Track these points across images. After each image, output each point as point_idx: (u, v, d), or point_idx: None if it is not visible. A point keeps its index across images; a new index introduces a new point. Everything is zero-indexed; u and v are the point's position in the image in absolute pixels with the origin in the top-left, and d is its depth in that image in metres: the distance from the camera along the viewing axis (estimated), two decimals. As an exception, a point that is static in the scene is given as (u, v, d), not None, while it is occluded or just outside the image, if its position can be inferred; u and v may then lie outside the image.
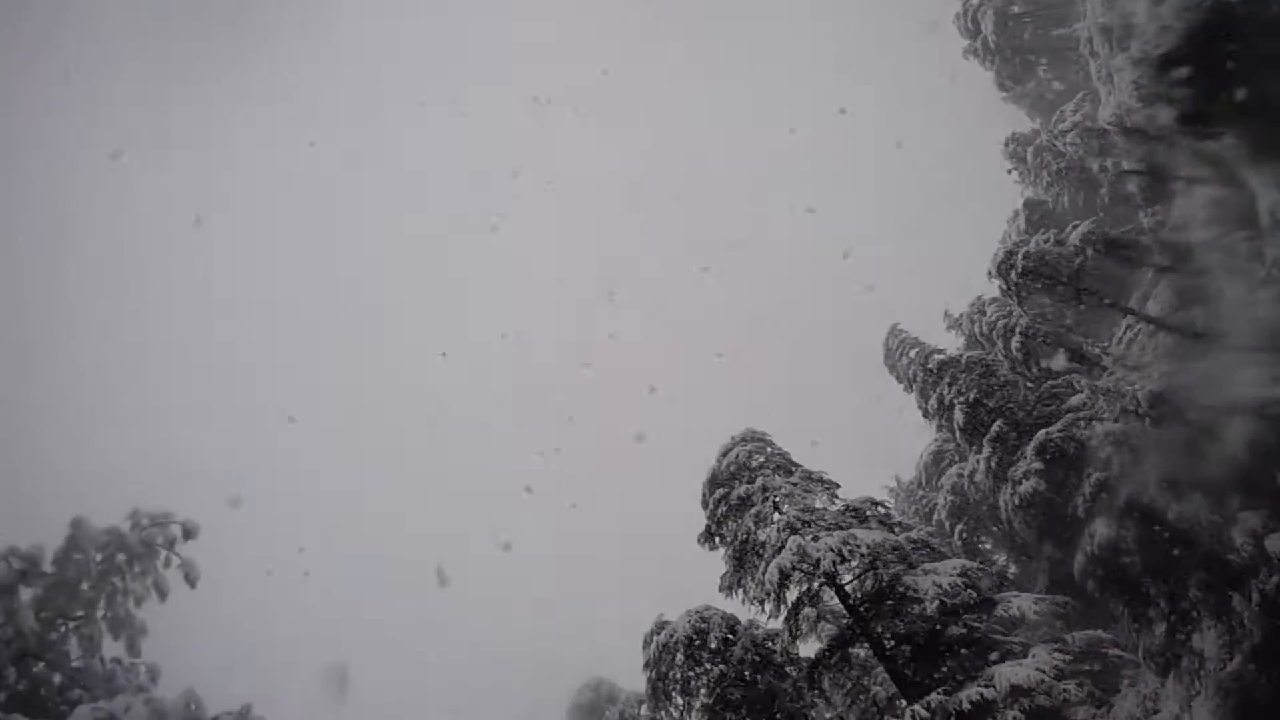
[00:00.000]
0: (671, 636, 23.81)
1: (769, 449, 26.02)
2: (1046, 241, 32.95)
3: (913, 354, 35.25)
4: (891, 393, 38.10)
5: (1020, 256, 32.47)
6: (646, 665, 24.26)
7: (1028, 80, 51.30)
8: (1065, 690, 19.20)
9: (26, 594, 28.80)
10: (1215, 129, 28.15)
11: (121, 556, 30.18)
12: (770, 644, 23.48)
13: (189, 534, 30.69)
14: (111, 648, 29.97)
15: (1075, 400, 30.59)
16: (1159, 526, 24.89)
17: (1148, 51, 23.40)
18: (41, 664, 28.37)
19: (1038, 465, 28.71)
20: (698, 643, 23.61)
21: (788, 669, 23.13)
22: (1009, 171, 47.64)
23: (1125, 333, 31.74)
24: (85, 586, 29.86)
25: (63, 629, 29.46)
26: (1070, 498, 27.77)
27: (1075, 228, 32.43)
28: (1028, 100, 51.68)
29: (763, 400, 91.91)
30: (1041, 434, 29.17)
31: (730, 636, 23.68)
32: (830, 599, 22.21)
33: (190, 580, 30.16)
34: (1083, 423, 29.21)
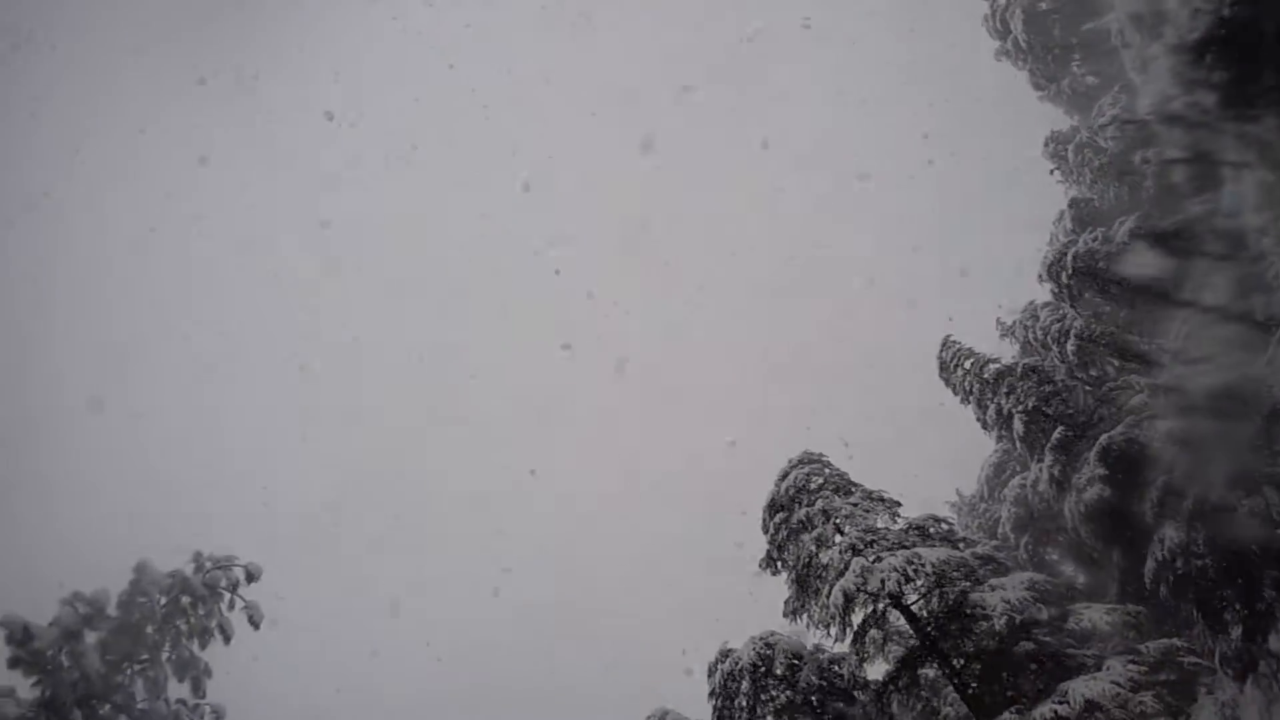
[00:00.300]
0: (736, 664, 23.75)
1: (827, 470, 25.92)
2: (1095, 240, 32.58)
3: (968, 365, 34.62)
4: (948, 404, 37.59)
5: (1070, 257, 32.17)
6: (712, 694, 24.20)
7: (1062, 77, 50.78)
8: (1141, 703, 18.89)
9: (92, 637, 29.28)
10: (1258, 111, 27.80)
11: (186, 599, 30.61)
12: (837, 668, 23.35)
13: (252, 577, 31.09)
14: (176, 689, 30.39)
15: (1136, 401, 30.08)
16: (1230, 526, 24.44)
17: (1182, 37, 23.09)
18: (108, 706, 28.82)
19: (1101, 471, 28.20)
20: (763, 669, 23.51)
21: (855, 693, 22.96)
22: (1051, 172, 47.15)
23: (1183, 327, 31.25)
24: (150, 629, 30.31)
25: (128, 671, 29.86)
26: (1137, 502, 27.24)
27: (1122, 223, 32.05)
28: (1064, 97, 51.15)
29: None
30: (1104, 438, 28.64)
31: (796, 662, 23.57)
32: (897, 620, 22.09)
33: (254, 622, 30.52)
34: (1145, 424, 28.72)
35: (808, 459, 26.48)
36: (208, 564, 31.19)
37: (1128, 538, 27.69)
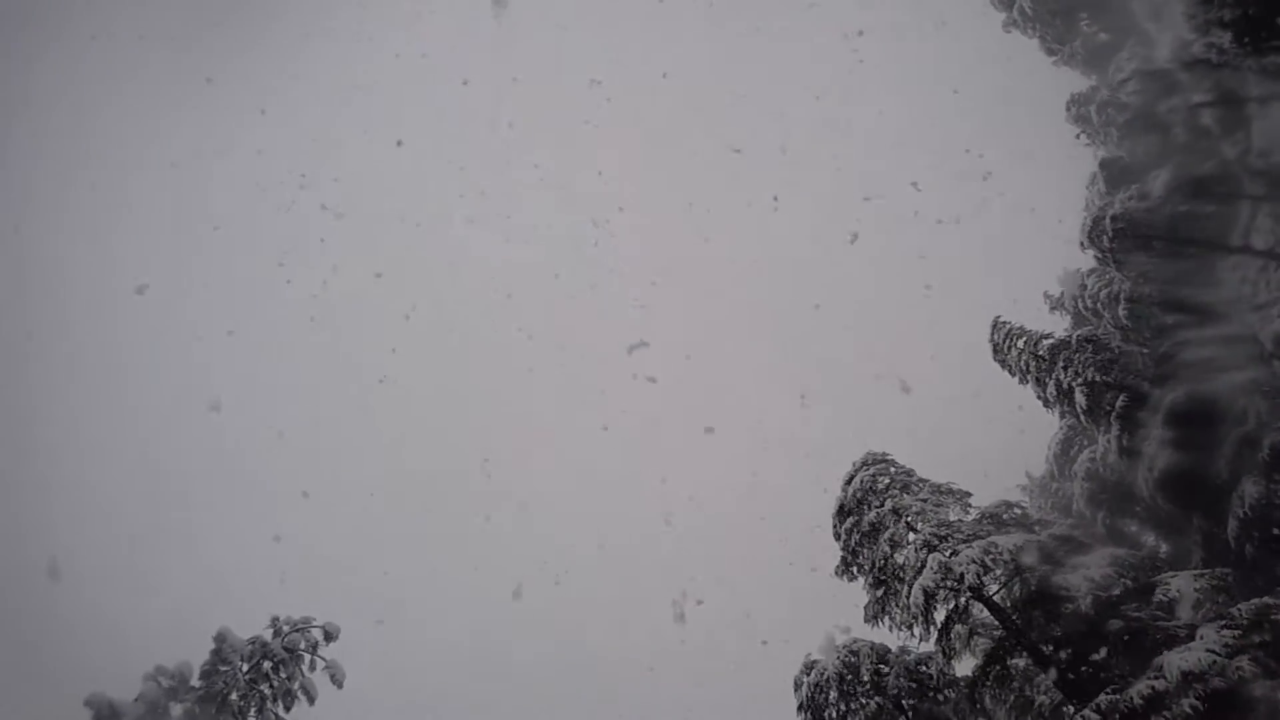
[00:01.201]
0: (823, 675, 23.96)
1: (893, 469, 26.09)
2: (1131, 199, 32.35)
3: (1020, 344, 34.36)
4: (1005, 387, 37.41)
5: (1109, 220, 31.95)
6: (800, 708, 24.42)
7: (1073, 39, 50.04)
8: (1239, 668, 18.78)
9: (177, 709, 30.20)
10: (1275, 42, 27.77)
11: (267, 664, 31.39)
12: (924, 668, 23.49)
13: (330, 637, 31.83)
14: (266, 755, 31.21)
15: (1197, 355, 29.92)
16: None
17: (1193, -21, 23.28)
18: (200, 775, 29.75)
19: (1170, 433, 28.09)
20: (850, 678, 23.71)
21: (946, 691, 23.09)
22: (1077, 136, 46.84)
23: (1236, 273, 31.06)
24: (235, 696, 31.07)
25: (216, 740, 30.76)
26: (1211, 461, 27.12)
27: (1157, 177, 31.84)
28: (1078, 59, 50.34)
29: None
30: (1169, 399, 28.55)
31: (883, 667, 23.73)
32: (980, 612, 22.18)
33: (336, 681, 31.16)
34: (1211, 378, 28.56)
35: (872, 460, 26.64)
36: (285, 627, 31.95)
37: (1206, 499, 27.52)
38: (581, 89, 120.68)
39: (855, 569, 24.76)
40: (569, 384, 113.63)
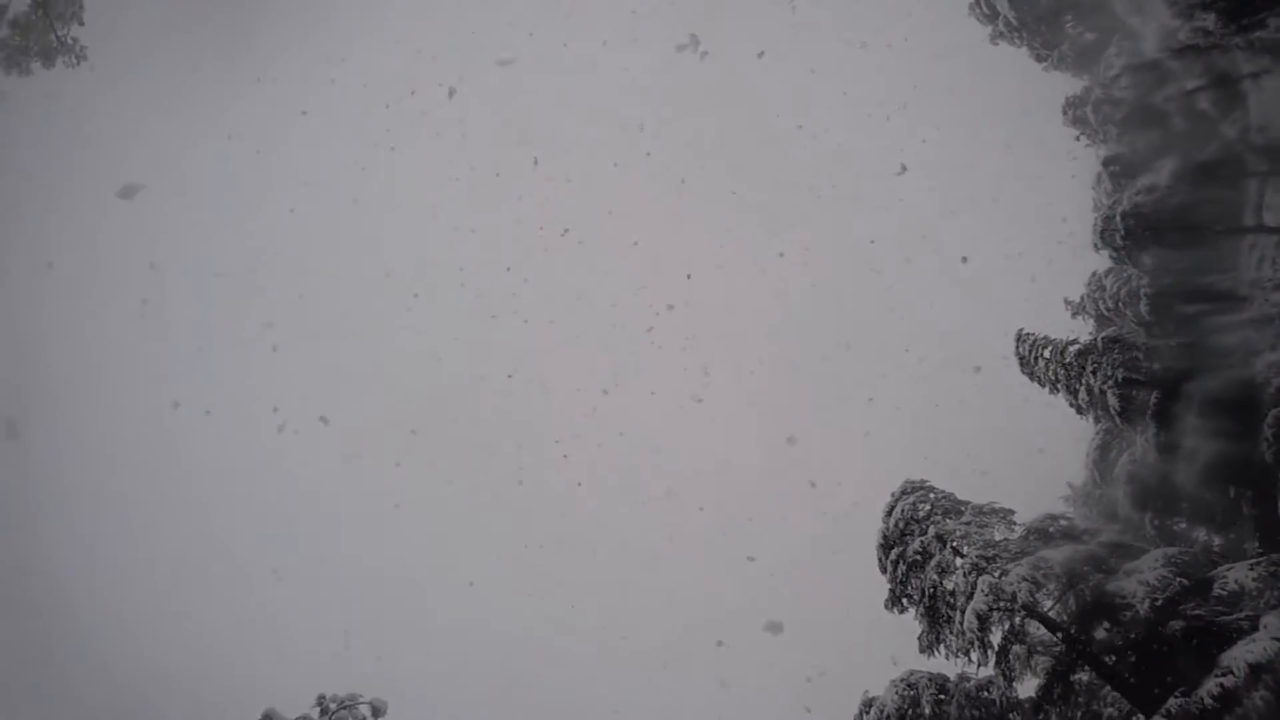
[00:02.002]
0: (882, 712, 23.82)
1: (933, 494, 26.23)
2: (1138, 194, 32.70)
3: (1047, 354, 34.58)
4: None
5: (1119, 217, 32.29)
6: (861, 749, 24.29)
7: (1060, 42, 50.96)
8: (1308, 654, 18.80)
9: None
10: (1259, 16, 28.28)
11: (316, 744, 31.61)
12: (986, 693, 23.31)
13: (378, 712, 31.96)
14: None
15: (1226, 342, 30.03)
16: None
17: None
18: None
19: (1208, 423, 28.17)
20: (910, 713, 23.53)
21: (1010, 715, 22.92)
22: (1076, 139, 47.43)
23: (1252, 254, 31.25)
24: (286, 778, 31.30)
25: (266, 823, 30.88)
26: (1254, 446, 27.11)
27: (1162, 168, 32.20)
28: (1068, 61, 51.14)
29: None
30: (1202, 390, 28.66)
31: (943, 697, 23.56)
32: (1036, 630, 22.12)
33: (386, 759, 31.33)
34: (1241, 362, 28.66)
35: (911, 488, 26.77)
36: (332, 705, 32.12)
37: (1253, 485, 27.51)
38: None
39: (905, 600, 24.84)
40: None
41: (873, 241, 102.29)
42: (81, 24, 42.95)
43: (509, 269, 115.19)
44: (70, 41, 42.95)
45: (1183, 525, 34.72)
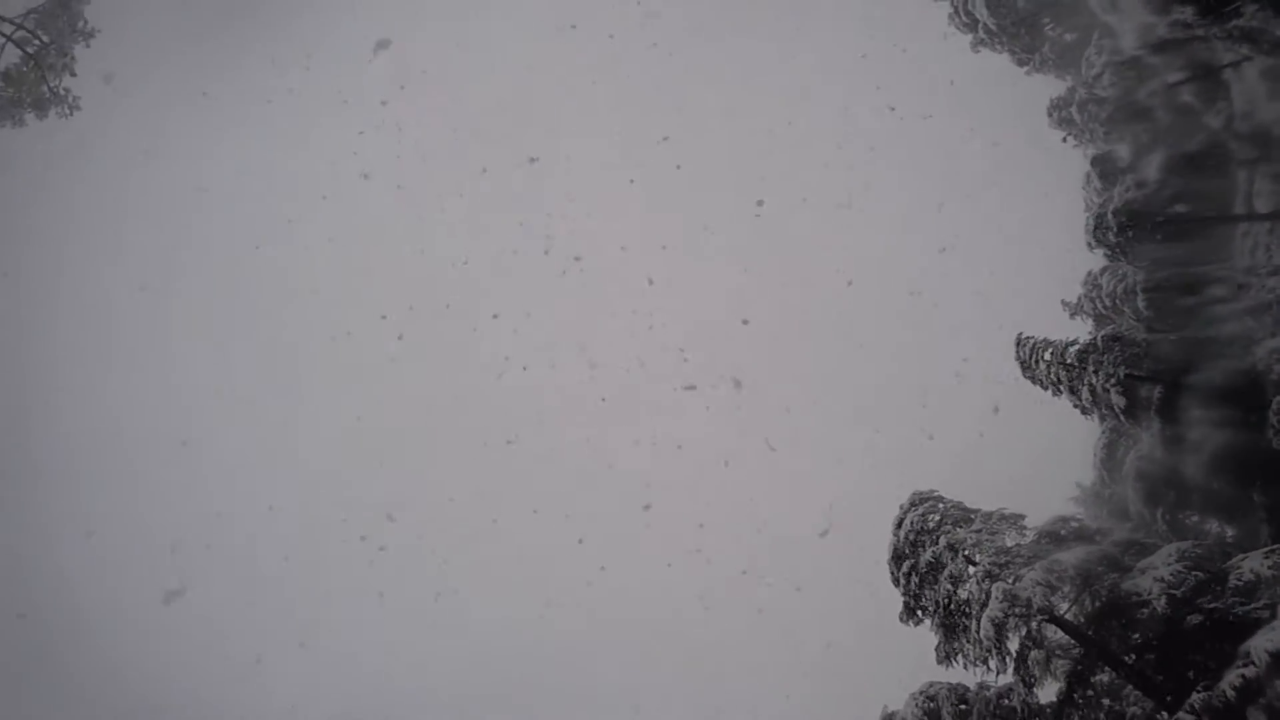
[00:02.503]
0: (904, 725, 23.84)
1: (942, 504, 26.34)
2: (1128, 190, 32.99)
3: (1048, 356, 34.45)
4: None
5: (1110, 215, 32.53)
6: (883, 763, 24.26)
7: (1040, 45, 51.75)
8: (1325, 638, 18.84)
9: None
10: (1235, 4, 28.59)
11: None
12: (1007, 700, 23.26)
13: None
14: None
15: (1226, 331, 30.18)
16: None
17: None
18: None
19: (1213, 414, 28.25)
20: (932, 725, 23.59)
21: (1034, 721, 22.95)
22: (1064, 140, 47.83)
23: (1245, 241, 31.45)
24: None
25: None
26: (1260, 433, 27.19)
27: (1150, 163, 32.49)
28: (1050, 63, 51.97)
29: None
30: (1204, 381, 28.74)
31: (964, 706, 23.51)
32: (1054, 633, 22.13)
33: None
34: (1242, 351, 28.79)
35: (919, 499, 26.91)
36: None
37: (1262, 474, 27.56)
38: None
39: (920, 612, 24.86)
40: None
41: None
42: (73, 75, 44.18)
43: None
44: (63, 92, 44.09)
45: (1194, 518, 34.68)
